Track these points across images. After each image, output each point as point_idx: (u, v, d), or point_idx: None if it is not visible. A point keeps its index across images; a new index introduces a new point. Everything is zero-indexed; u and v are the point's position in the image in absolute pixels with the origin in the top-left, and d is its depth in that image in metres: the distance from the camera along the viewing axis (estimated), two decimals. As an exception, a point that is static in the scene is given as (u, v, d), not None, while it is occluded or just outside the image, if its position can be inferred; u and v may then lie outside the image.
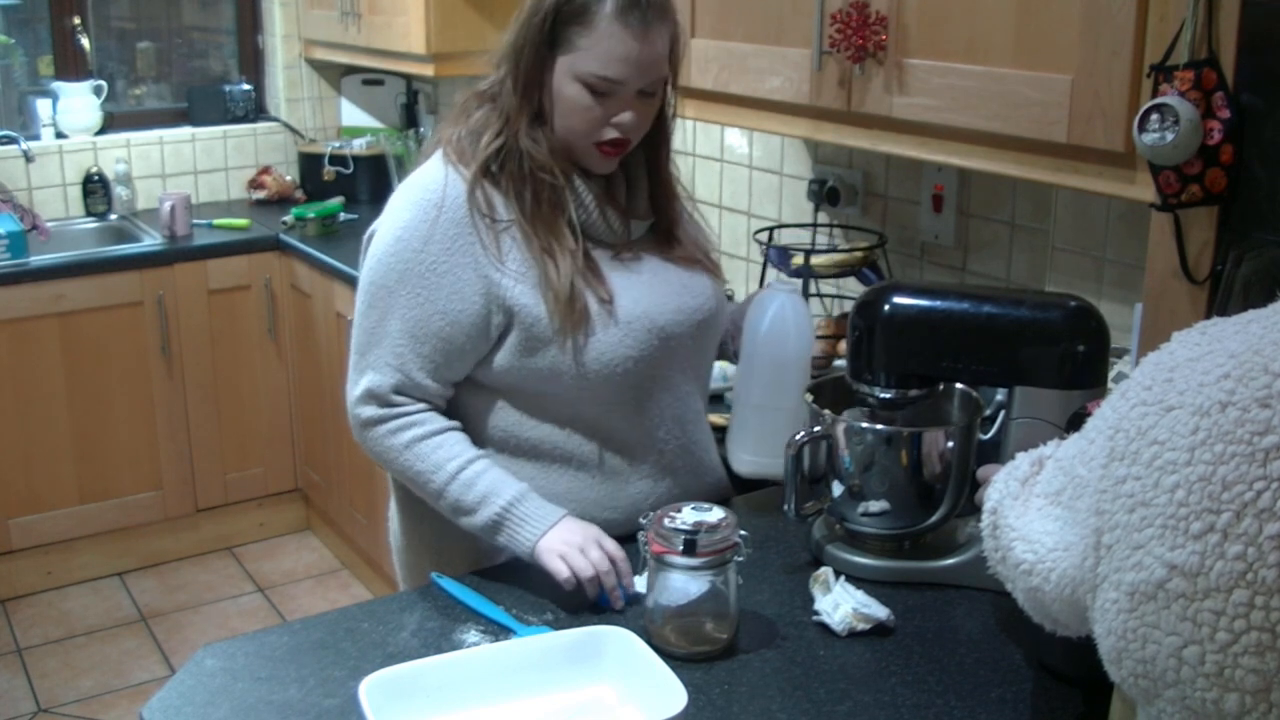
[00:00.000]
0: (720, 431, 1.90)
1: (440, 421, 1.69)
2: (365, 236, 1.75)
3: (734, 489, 1.91)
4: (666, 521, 1.47)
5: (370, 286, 1.69)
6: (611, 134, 1.67)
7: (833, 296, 2.68)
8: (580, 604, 1.60)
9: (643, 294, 1.71)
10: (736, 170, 3.00)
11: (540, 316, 1.65)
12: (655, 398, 1.75)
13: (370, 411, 1.68)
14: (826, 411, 1.68)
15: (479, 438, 1.73)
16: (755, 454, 1.72)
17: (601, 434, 1.73)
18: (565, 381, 1.67)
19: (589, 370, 1.67)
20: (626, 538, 1.71)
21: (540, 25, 1.63)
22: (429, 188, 1.68)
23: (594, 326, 1.66)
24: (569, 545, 1.59)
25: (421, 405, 1.69)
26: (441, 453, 1.66)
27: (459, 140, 1.71)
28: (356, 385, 1.69)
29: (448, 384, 1.70)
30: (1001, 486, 1.22)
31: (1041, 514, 1.13)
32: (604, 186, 1.74)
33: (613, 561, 1.60)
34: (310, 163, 4.34)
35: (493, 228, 1.66)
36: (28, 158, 3.98)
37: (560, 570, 1.58)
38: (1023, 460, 1.24)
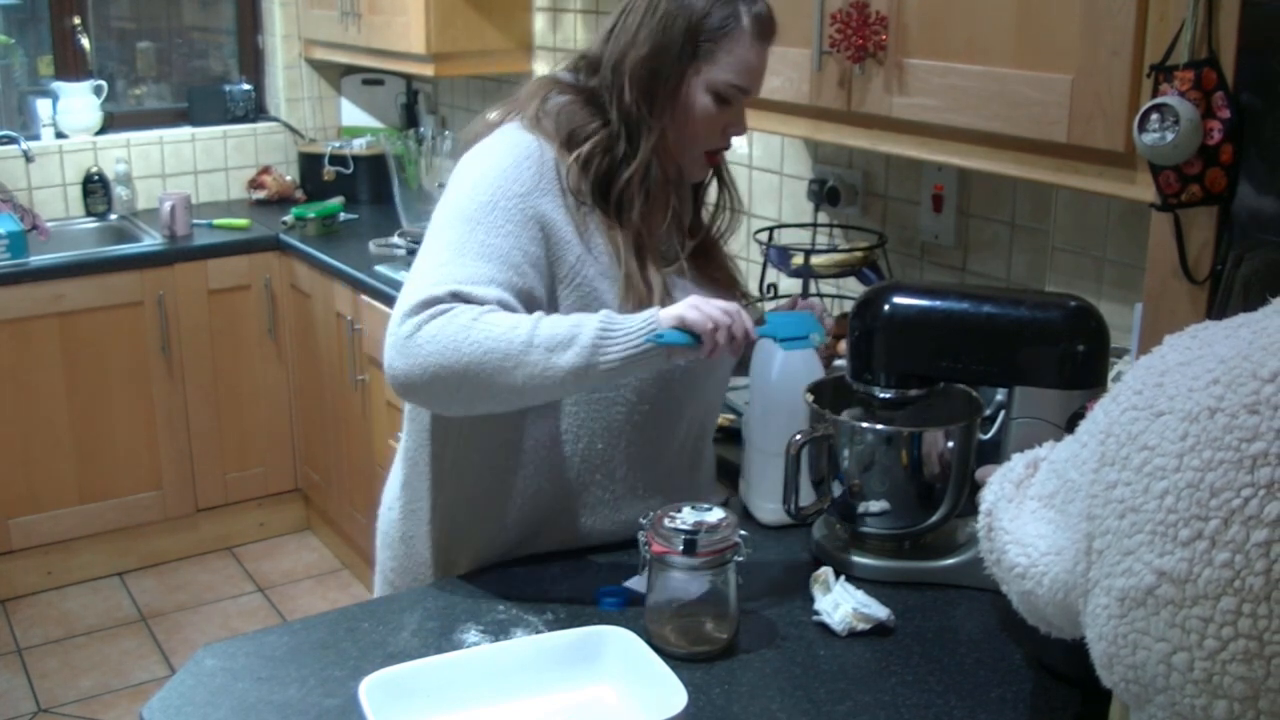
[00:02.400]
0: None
1: None
2: (439, 186, 1.69)
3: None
4: (666, 521, 1.46)
5: (456, 213, 1.58)
6: (723, 141, 1.71)
7: (833, 296, 2.67)
8: (580, 604, 1.60)
9: None
10: (736, 170, 2.97)
11: (607, 304, 1.60)
12: (675, 396, 1.73)
13: (423, 314, 1.49)
14: (826, 411, 1.68)
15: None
16: (779, 501, 1.71)
17: (613, 432, 1.71)
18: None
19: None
20: (620, 544, 1.71)
21: (680, 40, 1.63)
22: (524, 144, 1.63)
23: None
24: (684, 309, 1.50)
25: None
26: (514, 316, 1.51)
27: (539, 117, 1.66)
28: (412, 298, 1.50)
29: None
30: (996, 489, 1.23)
31: (1035, 517, 1.13)
32: (674, 207, 1.73)
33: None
34: (310, 163, 4.34)
35: (580, 207, 1.64)
36: (28, 158, 3.99)
37: (702, 321, 1.48)
38: (1018, 462, 1.24)
